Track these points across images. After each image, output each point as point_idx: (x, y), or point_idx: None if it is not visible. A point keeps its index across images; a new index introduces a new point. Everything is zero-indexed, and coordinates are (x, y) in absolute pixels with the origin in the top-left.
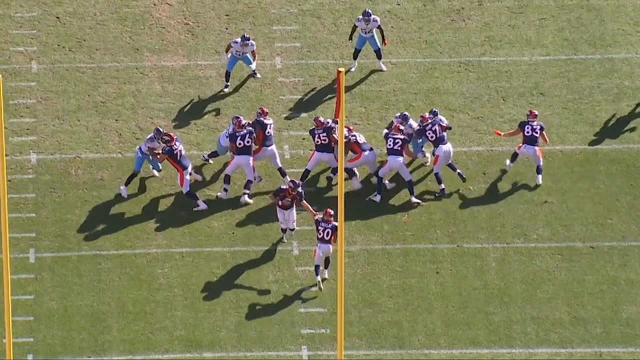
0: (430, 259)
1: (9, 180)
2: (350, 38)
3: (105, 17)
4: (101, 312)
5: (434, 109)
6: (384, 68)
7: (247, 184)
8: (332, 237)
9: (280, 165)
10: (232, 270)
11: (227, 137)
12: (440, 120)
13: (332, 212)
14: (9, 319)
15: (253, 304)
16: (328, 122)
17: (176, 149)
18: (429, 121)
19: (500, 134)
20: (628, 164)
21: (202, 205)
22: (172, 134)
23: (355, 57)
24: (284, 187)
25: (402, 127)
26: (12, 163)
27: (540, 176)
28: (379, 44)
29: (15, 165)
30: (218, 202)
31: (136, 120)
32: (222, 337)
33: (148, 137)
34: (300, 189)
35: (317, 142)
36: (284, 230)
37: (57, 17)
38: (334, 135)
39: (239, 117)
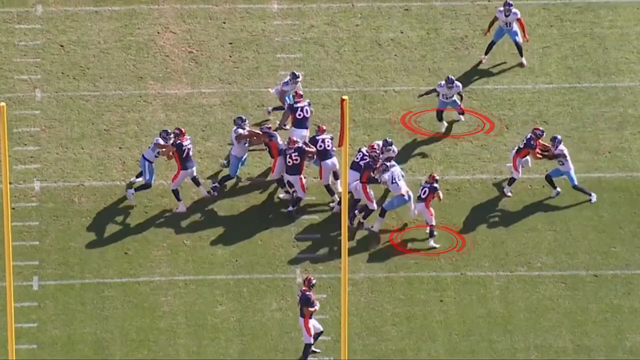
0: (433, 287)
1: (13, 208)
2: (489, 30)
3: (109, 45)
4: (104, 340)
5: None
6: (525, 62)
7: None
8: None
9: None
10: (236, 298)
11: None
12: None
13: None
14: (13, 347)
15: (256, 332)
16: (298, 142)
17: (185, 146)
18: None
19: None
20: (632, 193)
21: (182, 208)
22: (183, 130)
23: (487, 52)
24: None
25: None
26: (16, 191)
27: (508, 186)
28: (519, 38)
29: (19, 193)
30: (221, 229)
31: (140, 148)
32: None
33: (154, 141)
34: None
35: (289, 162)
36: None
37: (61, 46)
38: (308, 150)
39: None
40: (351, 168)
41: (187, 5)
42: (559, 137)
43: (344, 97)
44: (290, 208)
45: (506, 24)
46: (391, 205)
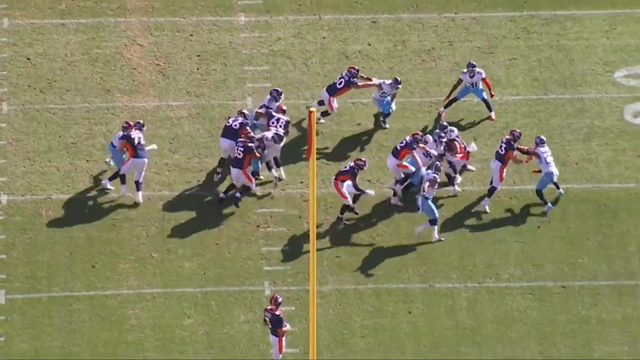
0: (402, 299)
1: None
2: (449, 95)
3: (76, 58)
4: (72, 354)
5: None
6: (494, 117)
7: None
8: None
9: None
10: (204, 310)
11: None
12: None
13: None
14: None
15: (225, 345)
16: (252, 138)
17: (133, 136)
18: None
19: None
20: (599, 204)
21: (123, 190)
22: (130, 123)
23: (447, 106)
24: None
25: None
26: None
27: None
28: (486, 94)
29: None
30: (189, 242)
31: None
32: None
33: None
34: None
35: (235, 153)
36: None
37: (28, 59)
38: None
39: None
40: (392, 154)
41: (154, 18)
42: (542, 137)
43: (312, 109)
44: (238, 194)
45: (472, 84)
46: (433, 213)
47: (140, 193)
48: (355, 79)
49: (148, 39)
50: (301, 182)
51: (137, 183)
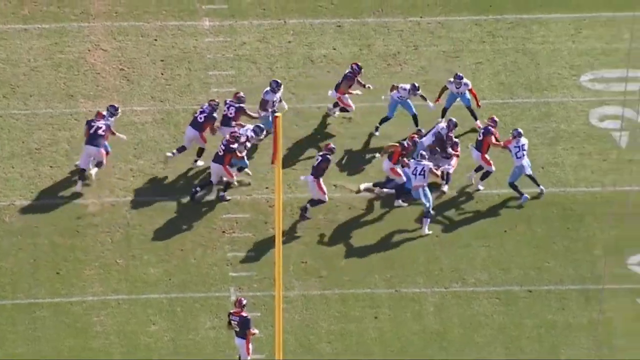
0: (368, 304)
1: None
2: (439, 98)
3: (39, 63)
4: None
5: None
6: (480, 125)
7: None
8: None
9: None
10: (169, 317)
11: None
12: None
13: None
14: None
15: (191, 351)
16: (238, 138)
17: (94, 124)
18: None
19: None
20: (565, 207)
21: (78, 186)
22: (102, 112)
23: (442, 117)
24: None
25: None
26: None
27: (481, 181)
28: (470, 103)
29: None
30: (154, 248)
31: (71, 167)
32: None
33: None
34: None
35: (218, 150)
36: None
37: None
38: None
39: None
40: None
41: (117, 23)
42: (519, 130)
43: (277, 114)
44: (222, 193)
45: (458, 93)
46: (429, 200)
47: (96, 170)
48: (351, 74)
49: (112, 43)
50: (267, 188)
51: (98, 163)
